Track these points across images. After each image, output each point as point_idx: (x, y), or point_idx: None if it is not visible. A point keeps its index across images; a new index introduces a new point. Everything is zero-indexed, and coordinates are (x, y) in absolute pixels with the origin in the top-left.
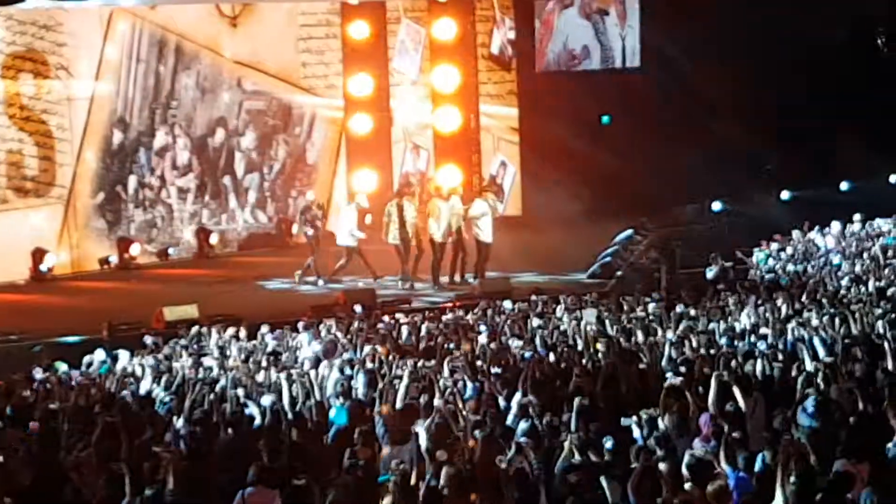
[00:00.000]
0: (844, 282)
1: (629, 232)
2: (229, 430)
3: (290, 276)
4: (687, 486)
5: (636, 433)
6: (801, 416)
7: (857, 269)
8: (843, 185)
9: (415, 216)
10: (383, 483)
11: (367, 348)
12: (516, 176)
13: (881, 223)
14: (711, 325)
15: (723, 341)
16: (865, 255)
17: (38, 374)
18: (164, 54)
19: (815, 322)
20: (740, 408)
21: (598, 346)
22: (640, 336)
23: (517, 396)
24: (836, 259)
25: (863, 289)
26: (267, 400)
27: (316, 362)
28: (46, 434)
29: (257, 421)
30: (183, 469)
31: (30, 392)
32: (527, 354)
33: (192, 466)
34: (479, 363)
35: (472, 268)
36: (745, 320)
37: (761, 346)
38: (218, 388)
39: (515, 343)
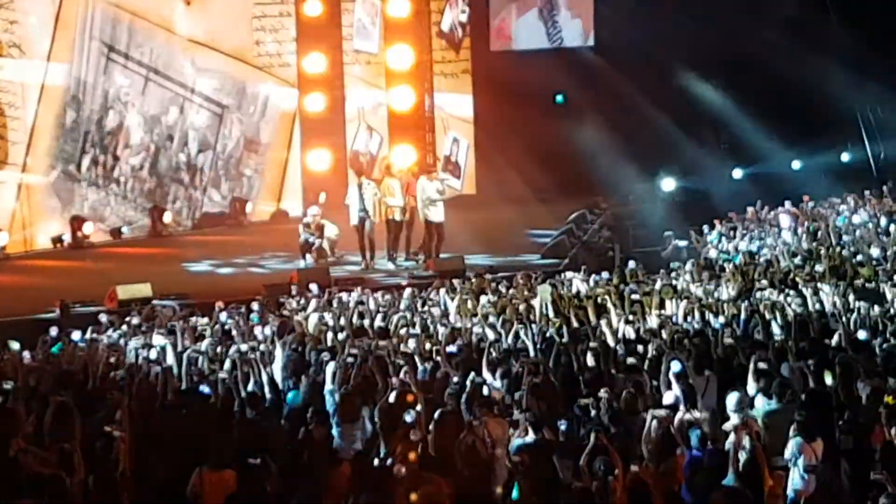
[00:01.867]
0: (797, 260)
1: (582, 211)
2: (183, 410)
3: (246, 254)
4: (633, 468)
5: (592, 413)
6: (755, 395)
7: (809, 247)
8: (796, 164)
9: (375, 195)
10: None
11: (318, 327)
12: (470, 154)
13: (835, 201)
14: (665, 304)
15: (676, 320)
16: (820, 233)
17: None
18: (117, 33)
19: (767, 301)
20: (692, 386)
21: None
22: (591, 315)
23: (471, 375)
24: (788, 237)
25: (816, 267)
26: (220, 378)
27: (269, 341)
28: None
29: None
30: (134, 448)
31: None
32: (478, 331)
33: (144, 445)
34: (431, 343)
35: (424, 247)
36: (698, 299)
37: (715, 324)
38: (168, 367)
39: (470, 322)
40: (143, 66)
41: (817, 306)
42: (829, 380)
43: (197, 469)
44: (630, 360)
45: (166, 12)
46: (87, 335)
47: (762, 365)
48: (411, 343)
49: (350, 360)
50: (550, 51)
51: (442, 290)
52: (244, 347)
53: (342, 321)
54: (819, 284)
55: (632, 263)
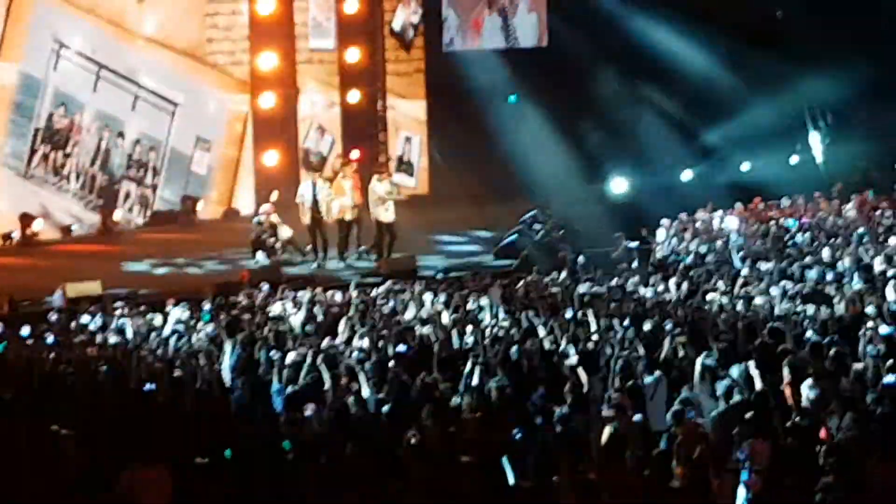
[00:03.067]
0: (746, 262)
1: (534, 211)
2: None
3: (197, 252)
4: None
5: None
6: (704, 398)
7: (758, 248)
8: (745, 166)
9: (329, 195)
10: None
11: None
12: (422, 154)
13: (784, 203)
14: (614, 305)
15: (626, 321)
16: (769, 235)
17: None
18: (68, 29)
19: (716, 302)
20: (640, 387)
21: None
22: (542, 316)
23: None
24: (736, 239)
25: (763, 268)
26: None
27: (217, 339)
28: None
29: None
30: (80, 447)
31: None
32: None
33: (89, 444)
34: (381, 342)
35: (376, 247)
36: (648, 299)
37: (666, 325)
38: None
39: (419, 322)
40: (94, 63)
41: (766, 308)
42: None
43: (127, 467)
44: (573, 359)
45: (118, 9)
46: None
47: (710, 364)
48: (362, 343)
49: (298, 359)
50: (504, 51)
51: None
52: (195, 345)
53: (293, 320)
54: (767, 286)
55: (581, 259)
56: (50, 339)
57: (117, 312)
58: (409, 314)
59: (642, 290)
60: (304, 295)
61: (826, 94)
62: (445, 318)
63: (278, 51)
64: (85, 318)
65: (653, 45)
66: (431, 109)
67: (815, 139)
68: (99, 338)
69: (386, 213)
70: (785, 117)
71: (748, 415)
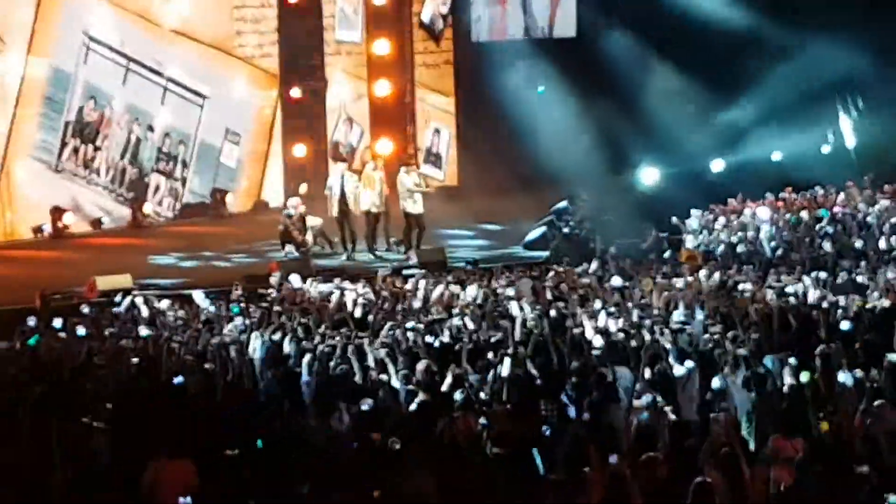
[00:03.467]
0: (778, 252)
1: (564, 203)
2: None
3: (226, 245)
4: (612, 458)
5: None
6: (736, 389)
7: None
8: (776, 155)
9: (357, 187)
10: None
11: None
12: (451, 145)
13: (817, 192)
14: (645, 295)
15: (655, 311)
16: (801, 225)
17: None
18: (98, 23)
19: (748, 292)
20: (670, 377)
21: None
22: (575, 307)
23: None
24: (767, 229)
25: (795, 257)
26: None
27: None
28: None
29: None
30: (112, 440)
31: None
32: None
33: (122, 437)
34: (411, 334)
35: (404, 239)
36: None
37: (698, 315)
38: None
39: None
40: (123, 56)
41: (799, 298)
42: (804, 377)
43: (153, 460)
44: (595, 351)
45: (147, 2)
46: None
47: (743, 354)
48: (391, 335)
49: (328, 350)
50: (533, 41)
51: (422, 282)
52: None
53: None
54: (799, 276)
55: (613, 249)
56: (81, 331)
57: (148, 304)
58: (438, 305)
59: (674, 281)
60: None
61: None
62: (475, 309)
63: (307, 42)
64: (116, 309)
65: (680, 31)
66: (460, 101)
67: (846, 125)
68: (130, 330)
69: (414, 205)
70: (814, 101)
71: (781, 407)
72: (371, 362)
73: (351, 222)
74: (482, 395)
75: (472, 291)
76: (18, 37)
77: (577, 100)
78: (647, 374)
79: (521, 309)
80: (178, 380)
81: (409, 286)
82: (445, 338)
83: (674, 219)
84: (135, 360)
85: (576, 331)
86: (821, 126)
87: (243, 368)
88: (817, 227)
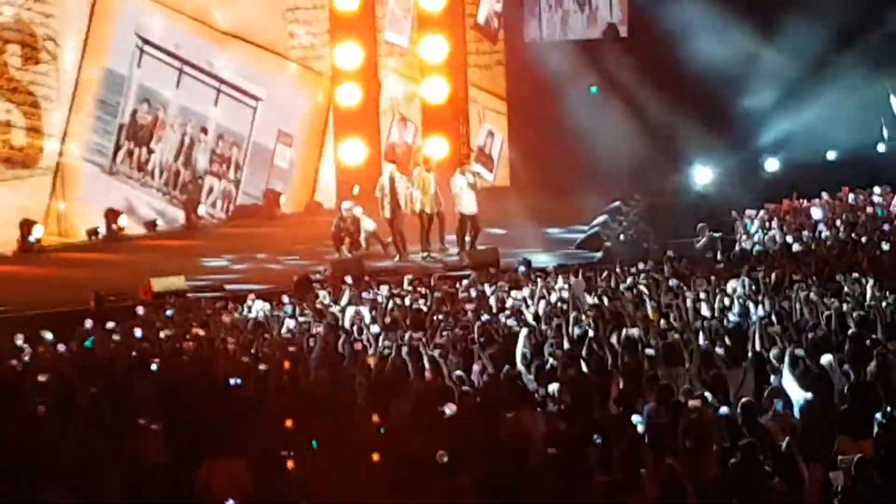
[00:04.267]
0: (833, 252)
1: (617, 203)
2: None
3: (279, 247)
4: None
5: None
6: (792, 389)
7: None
8: (830, 155)
9: (407, 187)
10: None
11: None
12: (504, 146)
13: (876, 192)
14: (699, 296)
15: (709, 312)
16: (858, 225)
17: (20, 342)
18: (151, 25)
19: (803, 293)
20: (722, 378)
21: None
22: (628, 307)
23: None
24: (823, 230)
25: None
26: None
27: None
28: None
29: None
30: (166, 441)
31: (16, 362)
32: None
33: (176, 439)
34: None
35: (458, 239)
36: (733, 291)
37: (753, 316)
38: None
39: (503, 315)
40: (177, 59)
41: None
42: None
43: (206, 461)
44: (649, 351)
45: (200, 5)
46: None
47: (799, 355)
48: (445, 335)
49: (386, 352)
50: (585, 41)
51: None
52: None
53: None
54: (857, 276)
55: (668, 251)
56: (137, 333)
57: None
58: (492, 306)
59: (728, 282)
60: (385, 288)
61: None
62: (529, 310)
63: (359, 44)
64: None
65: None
66: (512, 101)
67: None
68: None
69: (469, 205)
70: (868, 99)
71: (838, 407)
72: (426, 363)
73: (400, 223)
74: (537, 395)
75: (525, 292)
76: (73, 40)
77: (630, 99)
78: (702, 374)
79: (575, 309)
80: (235, 381)
81: (462, 287)
82: (500, 338)
83: (733, 213)
84: (189, 361)
85: (630, 331)
86: (875, 123)
87: (297, 369)
88: (873, 226)
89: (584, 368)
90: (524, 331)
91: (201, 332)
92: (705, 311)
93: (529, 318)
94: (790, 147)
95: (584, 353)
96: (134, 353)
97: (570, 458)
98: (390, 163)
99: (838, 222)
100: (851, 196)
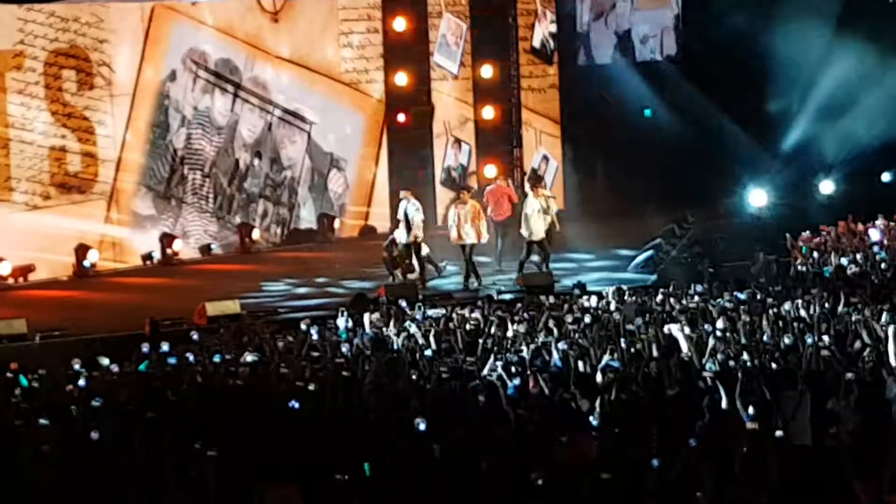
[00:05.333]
0: (889, 274)
1: (672, 226)
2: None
3: (334, 270)
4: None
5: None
6: (848, 412)
7: None
8: (885, 177)
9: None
10: None
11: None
12: (558, 170)
13: None
14: (754, 318)
15: (765, 336)
16: None
17: (77, 366)
18: (205, 50)
19: (859, 316)
20: (780, 401)
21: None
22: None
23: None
24: (879, 251)
25: None
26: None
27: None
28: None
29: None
30: (221, 466)
31: (72, 387)
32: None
33: (231, 463)
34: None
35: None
36: (788, 313)
37: (808, 339)
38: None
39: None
40: (230, 83)
41: None
42: None
43: (259, 485)
44: (710, 374)
45: (253, 29)
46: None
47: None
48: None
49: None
50: (637, 64)
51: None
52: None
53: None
54: None
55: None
56: (191, 357)
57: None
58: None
59: (783, 305)
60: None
61: None
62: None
63: (413, 68)
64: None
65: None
66: (565, 124)
67: None
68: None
69: (538, 230)
70: None
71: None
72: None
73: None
74: (592, 419)
75: (578, 315)
76: (127, 65)
77: (684, 121)
78: (756, 396)
79: (628, 332)
80: (293, 404)
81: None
82: (555, 362)
83: (787, 236)
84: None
85: (684, 354)
86: None
87: (352, 393)
88: None
89: (638, 391)
90: (577, 353)
91: (255, 357)
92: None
93: (582, 341)
94: (842, 170)
95: (637, 375)
96: (189, 378)
97: (625, 482)
98: (449, 187)
99: (894, 244)
100: None
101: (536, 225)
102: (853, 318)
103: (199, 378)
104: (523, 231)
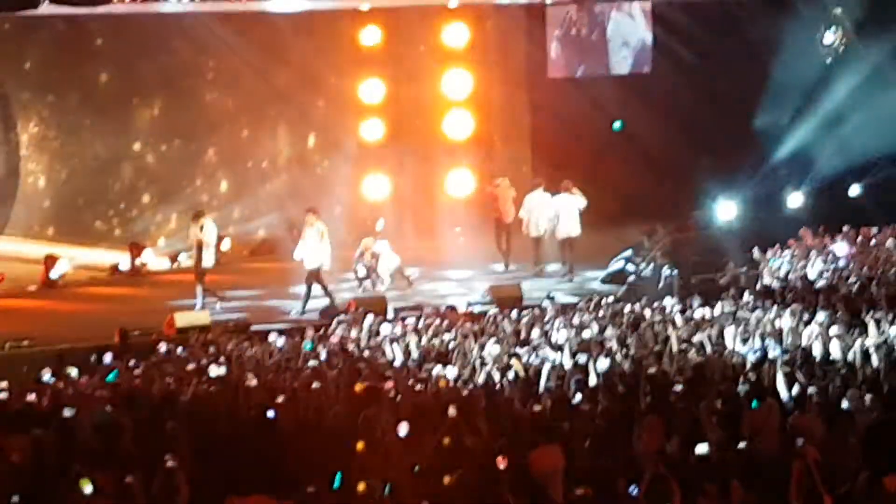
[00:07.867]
0: (855, 288)
1: (642, 238)
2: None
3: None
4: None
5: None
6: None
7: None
8: (854, 190)
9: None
10: None
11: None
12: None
13: None
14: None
15: (734, 347)
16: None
17: (47, 377)
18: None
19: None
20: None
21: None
22: (652, 341)
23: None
24: (845, 264)
25: (876, 292)
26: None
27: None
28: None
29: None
30: (192, 480)
31: (36, 397)
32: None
33: (203, 476)
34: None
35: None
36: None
37: (775, 351)
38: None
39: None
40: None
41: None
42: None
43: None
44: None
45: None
46: None
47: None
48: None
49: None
50: (608, 77)
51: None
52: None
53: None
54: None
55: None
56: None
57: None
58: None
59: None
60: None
61: None
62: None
63: (384, 79)
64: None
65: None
66: (535, 136)
67: None
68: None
69: (574, 227)
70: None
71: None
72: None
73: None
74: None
75: (548, 327)
76: None
77: (654, 135)
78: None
79: (599, 344)
80: (270, 414)
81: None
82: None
83: (755, 251)
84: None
85: (654, 367)
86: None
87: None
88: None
89: (608, 403)
90: (547, 365)
91: (222, 371)
92: (728, 346)
93: (552, 353)
94: (812, 182)
95: (607, 387)
96: (159, 389)
97: (597, 497)
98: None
99: (861, 257)
100: (875, 230)
101: (573, 222)
102: (820, 331)
103: (169, 388)
104: (561, 229)
